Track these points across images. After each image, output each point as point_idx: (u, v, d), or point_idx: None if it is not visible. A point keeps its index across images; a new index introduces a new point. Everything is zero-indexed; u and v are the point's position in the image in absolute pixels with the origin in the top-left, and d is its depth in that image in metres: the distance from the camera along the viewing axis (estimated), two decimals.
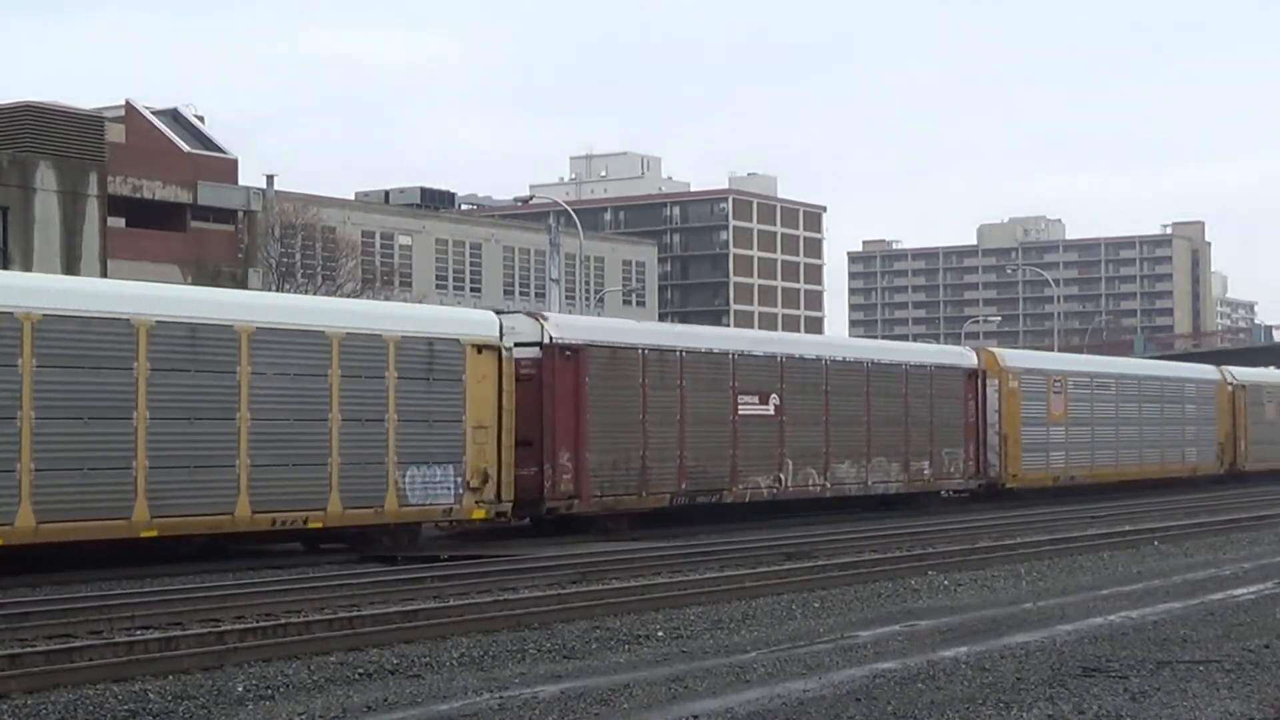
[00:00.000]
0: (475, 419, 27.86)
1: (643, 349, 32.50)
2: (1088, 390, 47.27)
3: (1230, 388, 55.50)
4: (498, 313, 31.30)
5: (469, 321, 29.30)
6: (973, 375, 42.09)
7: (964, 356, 43.39)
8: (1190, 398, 53.13)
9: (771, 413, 35.28)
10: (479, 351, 28.20)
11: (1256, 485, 53.60)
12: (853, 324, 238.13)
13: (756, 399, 34.99)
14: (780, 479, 35.34)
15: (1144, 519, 35.95)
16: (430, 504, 27.31)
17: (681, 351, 33.47)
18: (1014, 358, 45.65)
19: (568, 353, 30.57)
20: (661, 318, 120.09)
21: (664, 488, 32.51)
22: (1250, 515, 36.19)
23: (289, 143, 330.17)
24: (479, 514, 28.10)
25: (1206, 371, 56.21)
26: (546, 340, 30.37)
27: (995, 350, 45.87)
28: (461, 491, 27.63)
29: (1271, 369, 68.11)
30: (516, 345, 29.57)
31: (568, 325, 32.10)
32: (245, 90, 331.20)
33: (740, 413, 34.40)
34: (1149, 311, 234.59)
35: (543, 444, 29.83)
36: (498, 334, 28.92)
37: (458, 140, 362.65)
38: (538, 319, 31.40)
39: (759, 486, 34.80)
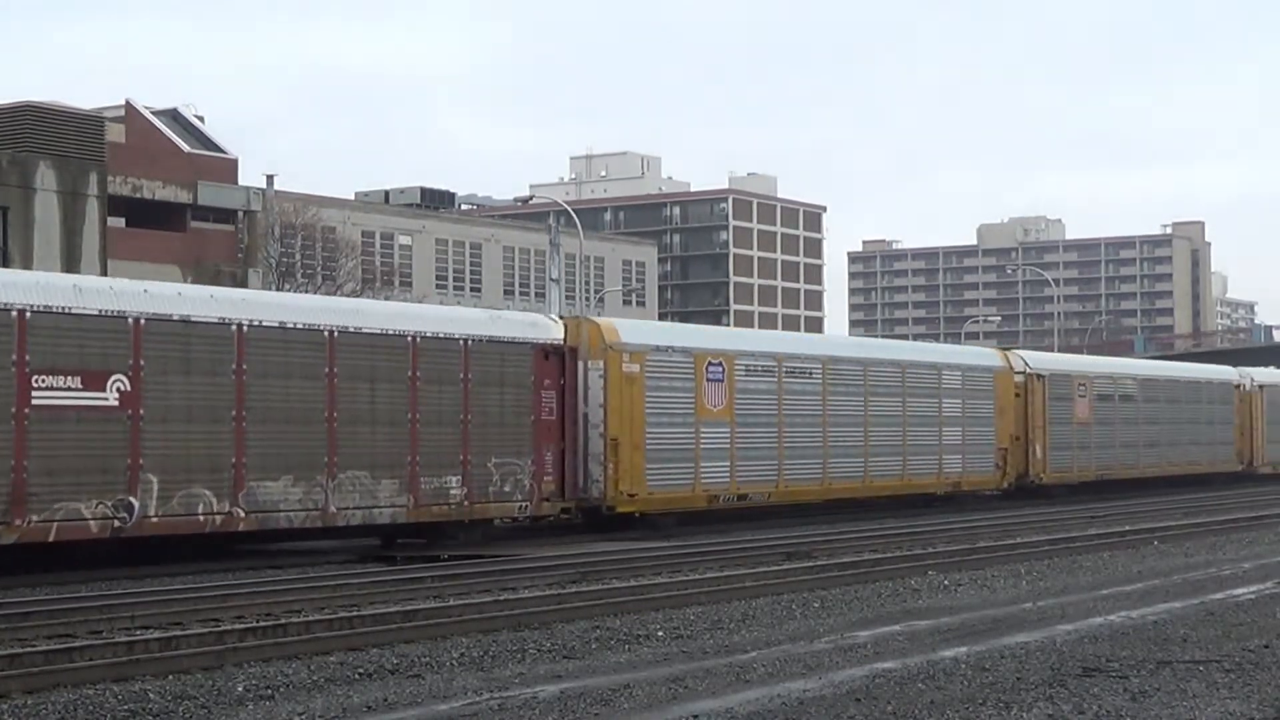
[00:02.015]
0: None
1: None
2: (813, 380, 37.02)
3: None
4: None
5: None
6: (551, 354, 30.00)
7: (550, 329, 30.58)
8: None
9: (115, 404, 23.05)
10: None
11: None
12: (853, 324, 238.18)
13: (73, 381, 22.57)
14: (130, 504, 22.94)
15: (1144, 519, 35.94)
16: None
17: None
18: (627, 330, 33.01)
19: None
20: (661, 317, 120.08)
21: None
22: (1250, 515, 36.20)
23: (289, 143, 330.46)
24: None
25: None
26: None
27: (603, 321, 33.15)
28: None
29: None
30: None
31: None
32: (245, 92, 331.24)
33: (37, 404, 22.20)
34: (1149, 311, 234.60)
35: None
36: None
37: (458, 140, 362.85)
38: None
39: (83, 518, 22.44)
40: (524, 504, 29.02)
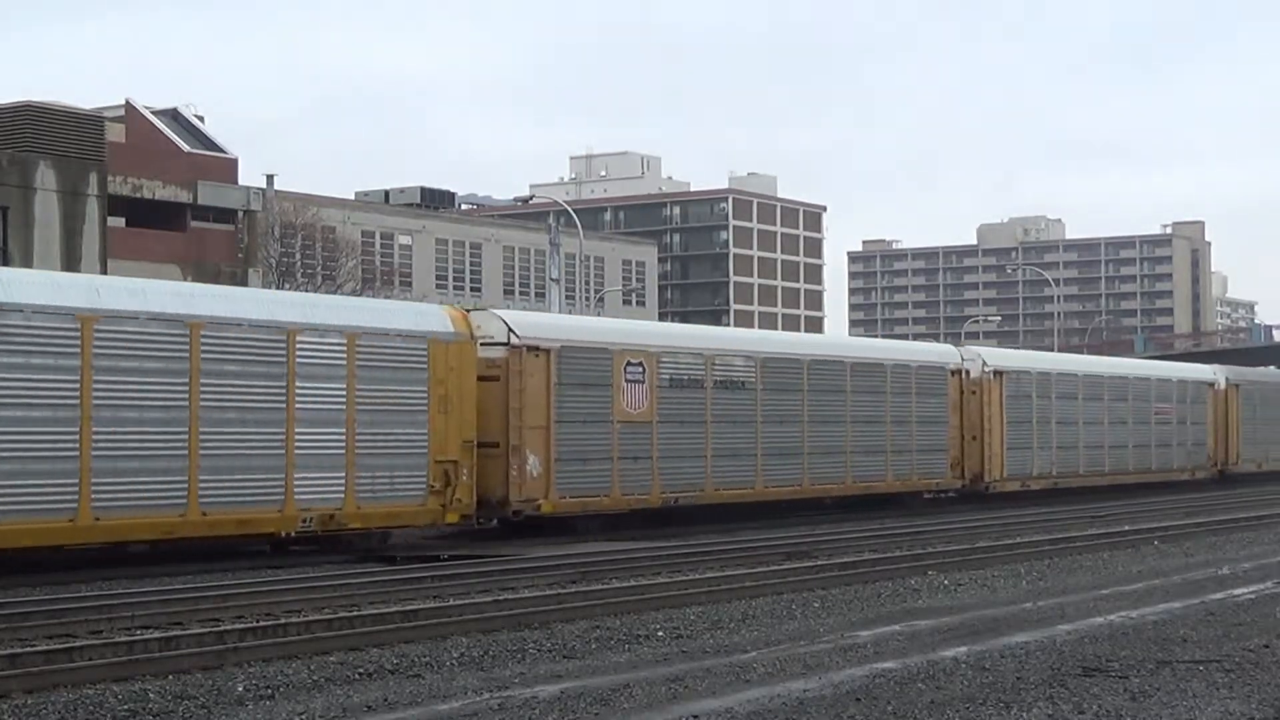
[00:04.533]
0: None
1: None
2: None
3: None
4: None
5: None
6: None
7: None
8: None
9: None
10: None
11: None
12: (853, 324, 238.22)
13: None
14: None
15: (1144, 519, 35.93)
16: None
17: None
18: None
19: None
20: (661, 317, 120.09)
21: None
22: (1250, 515, 36.20)
23: (290, 145, 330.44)
24: None
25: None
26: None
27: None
28: None
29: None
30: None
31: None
32: (247, 94, 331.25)
33: None
34: (1149, 311, 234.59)
35: None
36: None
37: (458, 140, 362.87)
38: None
39: None
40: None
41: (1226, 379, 55.53)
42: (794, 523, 34.86)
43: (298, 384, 25.50)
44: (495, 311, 32.22)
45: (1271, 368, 71.63)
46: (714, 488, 33.69)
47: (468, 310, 31.01)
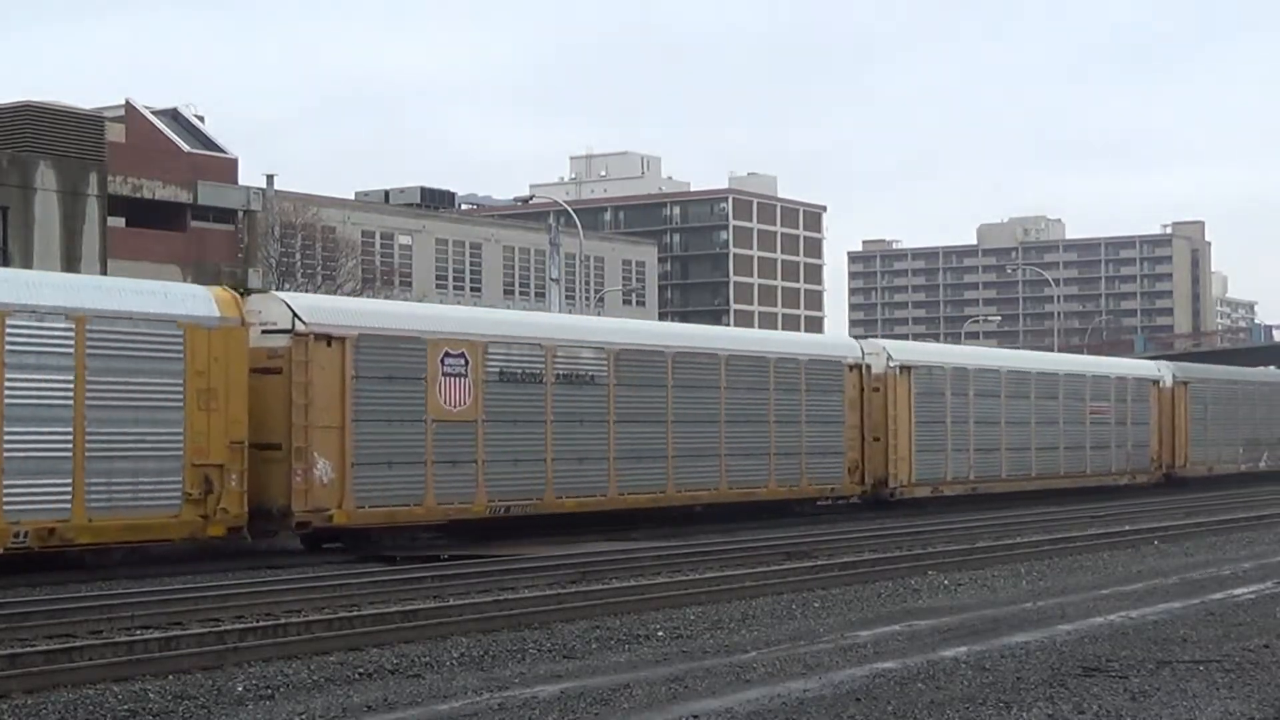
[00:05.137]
0: None
1: None
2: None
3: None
4: None
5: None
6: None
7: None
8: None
9: None
10: None
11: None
12: (853, 324, 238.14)
13: None
14: None
15: (1144, 519, 35.92)
16: None
17: None
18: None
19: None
20: (661, 317, 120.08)
21: None
22: (1250, 515, 36.21)
23: (291, 145, 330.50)
24: None
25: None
26: None
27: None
28: None
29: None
30: None
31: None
32: (248, 95, 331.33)
33: None
34: (1149, 311, 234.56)
35: None
36: None
37: (458, 140, 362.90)
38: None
39: None
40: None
41: (1174, 376, 52.38)
42: (794, 523, 34.81)
43: (6, 375, 21.98)
44: (278, 294, 29.39)
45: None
46: (556, 495, 30.21)
47: (244, 291, 27.89)
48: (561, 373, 30.60)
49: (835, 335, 45.80)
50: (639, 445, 32.13)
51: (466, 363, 28.73)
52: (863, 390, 38.33)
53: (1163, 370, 52.71)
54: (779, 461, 35.61)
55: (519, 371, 29.76)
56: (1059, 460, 46.10)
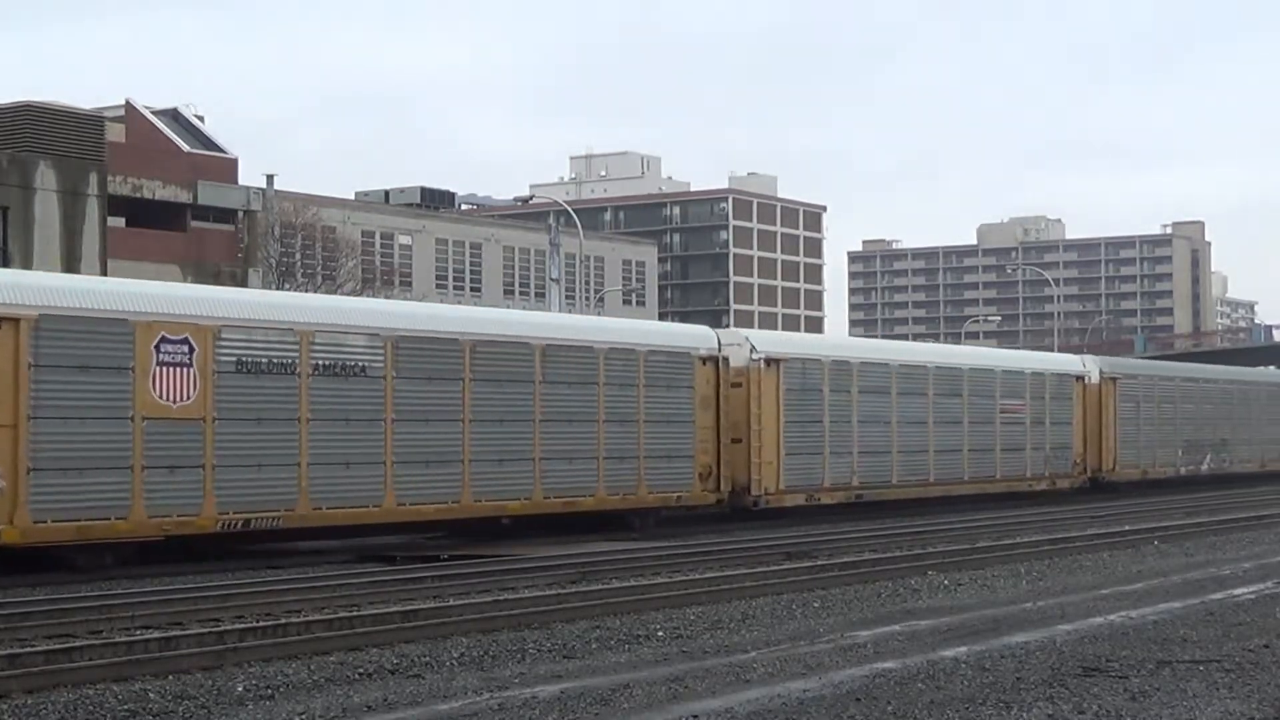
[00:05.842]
0: None
1: None
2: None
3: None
4: None
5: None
6: None
7: None
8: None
9: None
10: None
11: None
12: (853, 324, 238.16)
13: None
14: None
15: (1144, 519, 35.90)
16: None
17: None
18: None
19: None
20: (661, 317, 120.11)
21: None
22: (1250, 515, 36.19)
23: (290, 144, 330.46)
24: None
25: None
26: None
27: None
28: None
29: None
30: None
31: None
32: (248, 95, 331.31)
33: None
34: (1149, 311, 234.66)
35: None
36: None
37: (458, 140, 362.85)
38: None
39: None
40: None
41: (1101, 371, 48.42)
42: (794, 523, 34.76)
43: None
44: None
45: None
46: (314, 505, 26.01)
47: None
48: (321, 363, 26.35)
49: (686, 325, 41.31)
50: (426, 448, 27.84)
51: (191, 350, 24.57)
52: (719, 386, 33.63)
53: (1088, 365, 48.77)
54: (610, 466, 31.04)
55: (264, 361, 25.51)
56: (963, 464, 41.69)
